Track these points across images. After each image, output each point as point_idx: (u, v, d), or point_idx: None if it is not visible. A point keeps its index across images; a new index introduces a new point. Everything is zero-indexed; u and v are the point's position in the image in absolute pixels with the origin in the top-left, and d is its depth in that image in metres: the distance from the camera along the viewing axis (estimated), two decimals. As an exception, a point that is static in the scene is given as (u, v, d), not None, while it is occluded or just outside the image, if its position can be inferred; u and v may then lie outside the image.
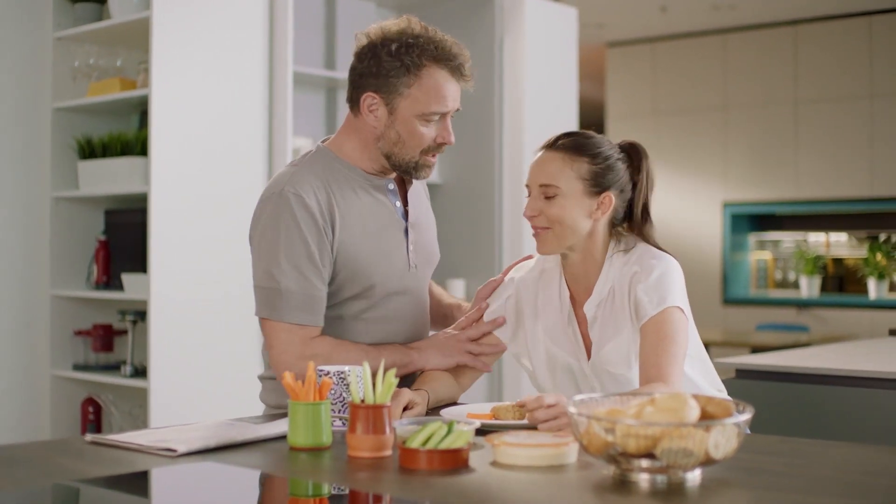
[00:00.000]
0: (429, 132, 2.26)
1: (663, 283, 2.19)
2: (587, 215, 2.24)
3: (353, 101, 2.30)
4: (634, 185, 2.30)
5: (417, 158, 2.28)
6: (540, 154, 2.29)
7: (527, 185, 2.29)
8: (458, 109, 2.30)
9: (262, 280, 2.23)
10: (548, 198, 2.23)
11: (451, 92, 2.25)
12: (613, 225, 2.31)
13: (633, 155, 2.31)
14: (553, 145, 2.27)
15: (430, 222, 2.50)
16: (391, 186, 2.36)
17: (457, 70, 2.25)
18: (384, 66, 2.22)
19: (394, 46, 2.22)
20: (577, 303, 2.32)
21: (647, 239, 2.30)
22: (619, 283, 2.25)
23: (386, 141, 2.27)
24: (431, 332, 2.52)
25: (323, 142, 2.38)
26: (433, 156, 2.30)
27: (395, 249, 2.33)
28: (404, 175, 2.34)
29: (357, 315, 2.31)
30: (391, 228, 2.33)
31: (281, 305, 2.20)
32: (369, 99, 2.25)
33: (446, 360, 2.34)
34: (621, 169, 2.27)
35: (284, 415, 2.22)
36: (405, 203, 2.40)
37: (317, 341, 2.23)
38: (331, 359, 2.20)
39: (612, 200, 2.25)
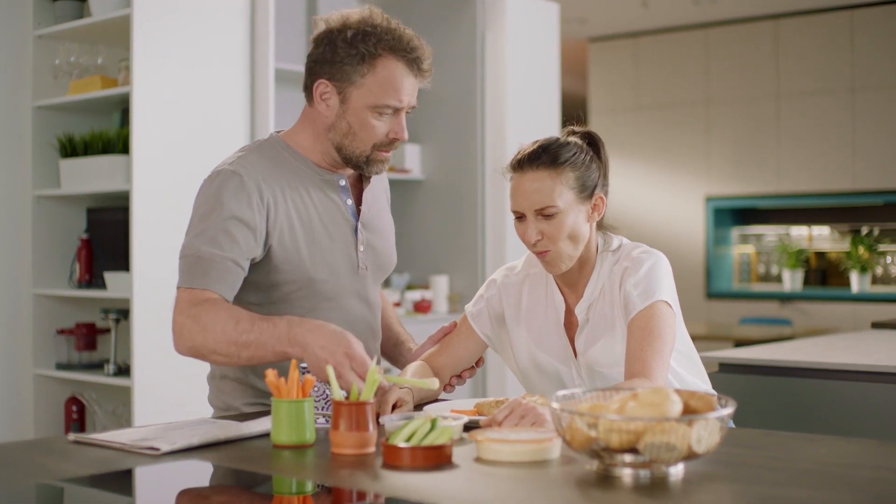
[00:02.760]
0: (380, 125, 2.18)
1: (652, 276, 2.19)
2: (585, 220, 2.22)
3: (308, 89, 2.24)
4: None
5: (369, 152, 2.21)
6: (521, 176, 2.21)
7: (515, 211, 2.22)
8: (413, 107, 2.22)
9: (182, 251, 2.13)
10: (547, 217, 2.18)
11: (406, 86, 2.17)
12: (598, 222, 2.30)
13: (596, 145, 2.27)
14: (533, 163, 2.19)
15: (387, 226, 2.42)
16: (342, 183, 2.28)
17: (414, 63, 2.17)
18: (339, 53, 2.15)
19: (350, 34, 2.15)
20: (568, 306, 2.31)
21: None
22: (610, 281, 2.24)
23: (336, 132, 2.21)
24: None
25: (277, 132, 2.32)
26: (386, 151, 2.23)
27: (341, 247, 2.26)
28: (356, 169, 2.26)
29: (301, 316, 2.18)
30: (337, 224, 2.25)
31: (185, 271, 2.10)
32: (322, 86, 2.20)
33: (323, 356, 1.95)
34: (594, 165, 2.24)
35: (246, 415, 2.21)
36: (358, 202, 2.32)
37: (205, 303, 2.05)
38: (200, 319, 2.02)
39: (603, 200, 2.25)
